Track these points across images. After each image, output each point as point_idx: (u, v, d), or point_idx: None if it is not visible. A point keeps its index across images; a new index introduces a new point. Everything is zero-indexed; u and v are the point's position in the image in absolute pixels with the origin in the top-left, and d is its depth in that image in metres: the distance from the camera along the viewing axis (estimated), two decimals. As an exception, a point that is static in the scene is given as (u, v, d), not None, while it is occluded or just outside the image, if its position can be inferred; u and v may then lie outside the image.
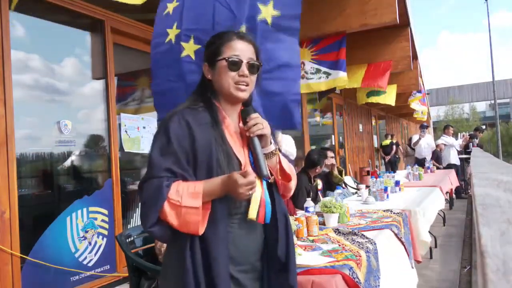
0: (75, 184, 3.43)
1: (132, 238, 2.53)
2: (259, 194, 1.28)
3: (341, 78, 4.12)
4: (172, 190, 1.19)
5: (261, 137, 1.30)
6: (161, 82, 2.38)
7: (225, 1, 2.22)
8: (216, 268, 1.19)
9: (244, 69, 1.32)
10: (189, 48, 2.22)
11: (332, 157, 4.79)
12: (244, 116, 1.31)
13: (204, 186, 1.20)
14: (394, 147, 11.48)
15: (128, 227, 3.62)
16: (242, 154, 1.31)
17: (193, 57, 2.21)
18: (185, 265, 1.19)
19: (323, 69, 4.14)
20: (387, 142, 11.85)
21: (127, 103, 4.00)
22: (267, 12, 2.18)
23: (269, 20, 2.18)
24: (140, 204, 1.25)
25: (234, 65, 1.31)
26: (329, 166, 4.70)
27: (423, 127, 8.87)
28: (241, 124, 1.34)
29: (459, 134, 10.80)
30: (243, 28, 2.17)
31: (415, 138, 9.02)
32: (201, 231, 1.19)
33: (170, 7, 2.38)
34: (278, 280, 1.32)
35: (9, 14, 2.80)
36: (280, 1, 2.18)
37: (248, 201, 1.27)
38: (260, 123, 1.29)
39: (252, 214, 1.26)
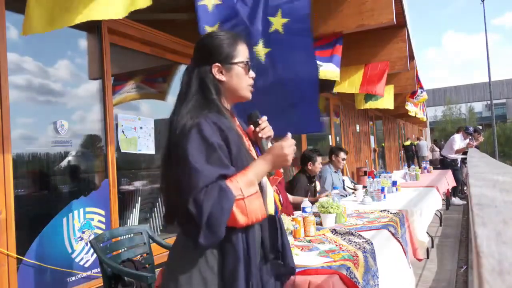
0: (72, 184, 3.42)
1: (107, 243, 2.44)
2: (270, 191, 1.38)
3: (331, 72, 3.98)
4: (232, 188, 1.18)
5: (268, 137, 1.41)
6: None
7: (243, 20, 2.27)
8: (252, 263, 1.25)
9: (252, 71, 1.42)
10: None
11: (343, 159, 4.85)
12: (254, 119, 1.41)
13: (252, 171, 1.24)
14: (413, 147, 15.92)
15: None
16: (253, 152, 1.38)
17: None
18: (238, 261, 1.21)
19: None
20: (408, 143, 16.12)
21: (124, 104, 3.98)
22: (278, 22, 2.24)
23: (281, 29, 2.24)
24: (202, 217, 1.13)
25: (249, 68, 1.40)
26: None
27: (471, 131, 8.22)
28: (251, 126, 1.43)
29: None
30: (260, 43, 2.23)
31: (458, 142, 8.17)
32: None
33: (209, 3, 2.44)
34: (275, 267, 1.36)
35: (5, 14, 2.78)
36: (288, 7, 2.23)
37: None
38: (269, 125, 1.41)
39: (271, 209, 1.34)
